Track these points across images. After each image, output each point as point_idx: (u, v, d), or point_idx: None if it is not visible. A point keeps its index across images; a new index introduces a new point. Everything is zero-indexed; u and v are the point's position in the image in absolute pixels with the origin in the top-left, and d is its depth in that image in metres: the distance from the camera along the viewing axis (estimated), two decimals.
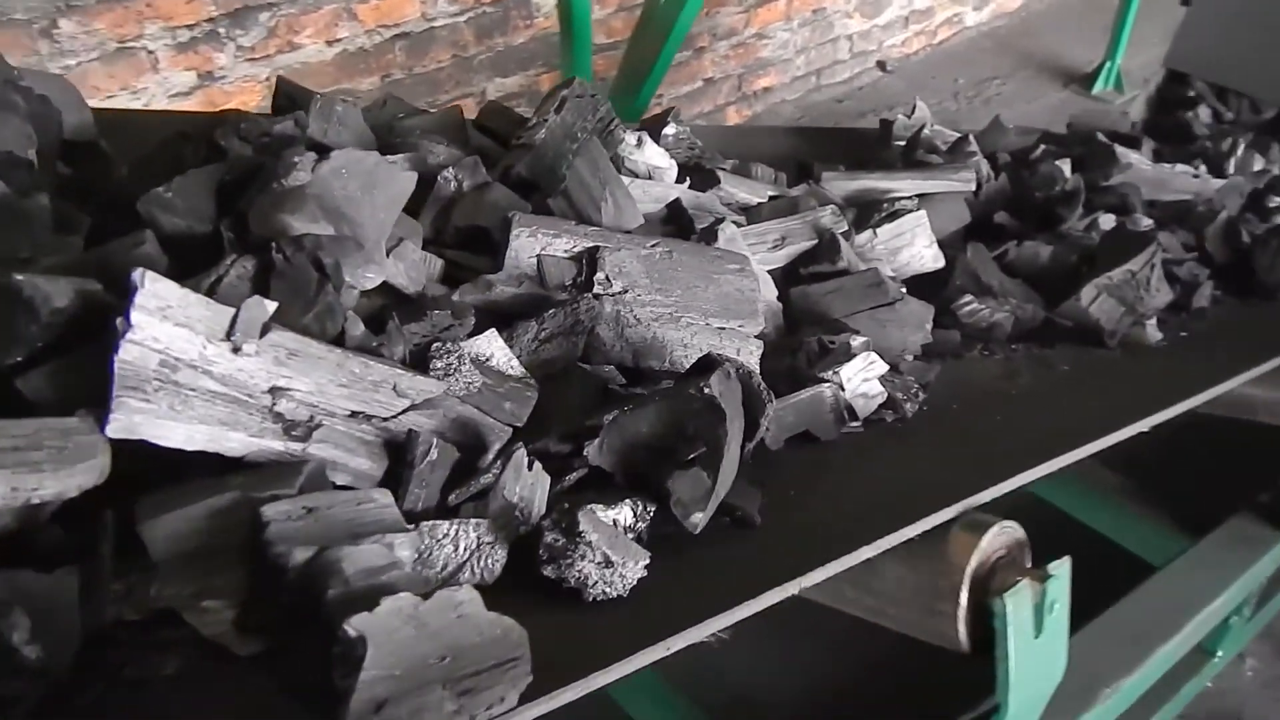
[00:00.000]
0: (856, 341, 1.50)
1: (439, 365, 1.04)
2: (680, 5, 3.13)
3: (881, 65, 5.30)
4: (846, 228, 1.73)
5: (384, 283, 1.13)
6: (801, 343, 1.50)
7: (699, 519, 1.01)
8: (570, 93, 1.58)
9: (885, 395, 1.47)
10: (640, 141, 1.71)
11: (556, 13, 3.21)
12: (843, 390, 1.41)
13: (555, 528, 0.91)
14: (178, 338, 0.86)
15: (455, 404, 1.05)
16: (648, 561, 0.93)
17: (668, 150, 1.90)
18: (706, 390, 1.03)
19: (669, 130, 1.94)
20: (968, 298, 1.83)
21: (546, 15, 3.59)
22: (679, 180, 1.80)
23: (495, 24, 3.51)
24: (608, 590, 0.91)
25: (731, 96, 4.63)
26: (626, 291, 1.25)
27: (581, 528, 0.90)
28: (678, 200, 1.72)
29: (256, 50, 2.98)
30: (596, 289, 1.23)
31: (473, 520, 0.91)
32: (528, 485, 0.99)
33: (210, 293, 0.96)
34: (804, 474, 1.27)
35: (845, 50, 5.06)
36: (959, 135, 2.36)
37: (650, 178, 1.71)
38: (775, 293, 1.60)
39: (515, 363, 1.15)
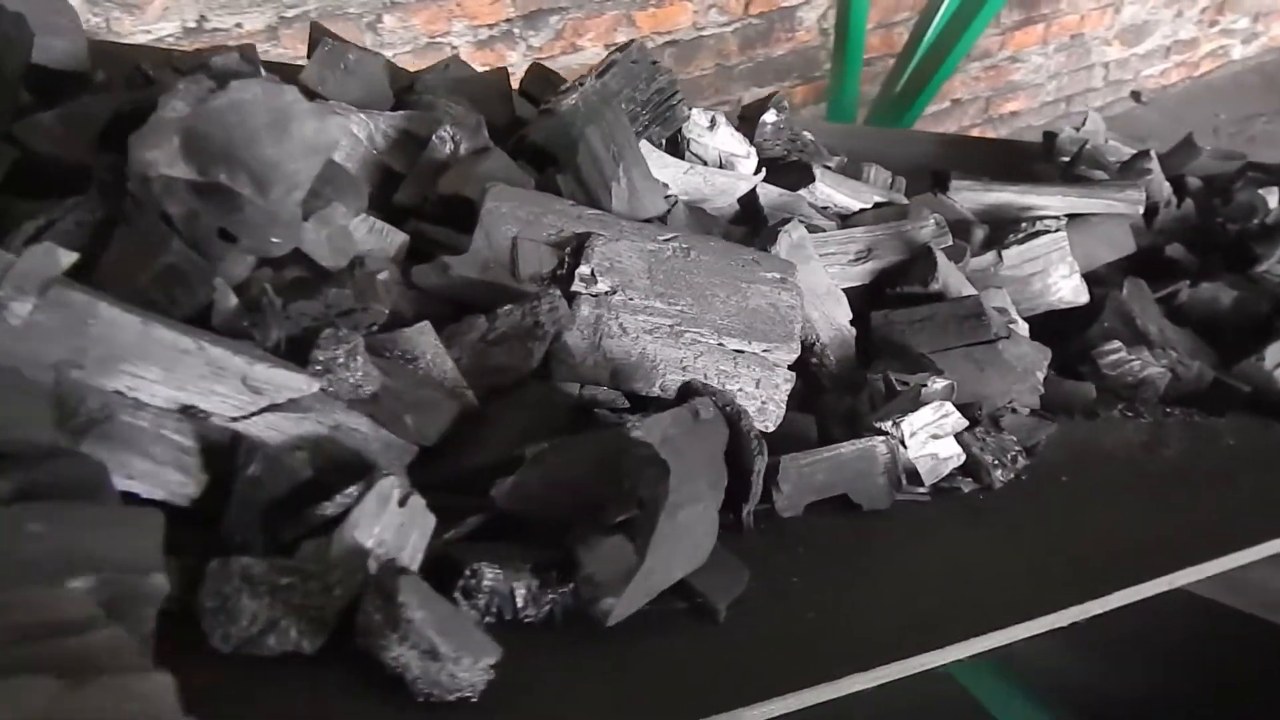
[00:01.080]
0: (938, 385, 1.18)
1: (320, 358, 0.81)
2: (964, 27, 3.07)
3: (1136, 96, 4.83)
4: (951, 243, 1.41)
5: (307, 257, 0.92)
6: (866, 380, 1.19)
7: (611, 606, 0.74)
8: (623, 56, 1.33)
9: (963, 457, 1.14)
10: (713, 123, 1.44)
11: (818, 27, 3.38)
12: (904, 446, 1.09)
13: (376, 592, 0.66)
14: None
15: (338, 411, 0.82)
16: (495, 661, 0.66)
17: (764, 141, 1.63)
18: (637, 434, 0.76)
19: (769, 118, 1.65)
20: (1114, 344, 1.46)
21: (808, 29, 3.68)
22: (764, 175, 1.52)
23: (759, 35, 3.60)
24: (436, 692, 0.65)
25: (977, 119, 4.46)
26: (615, 292, 0.98)
27: (401, 599, 0.64)
28: (753, 194, 1.44)
29: (543, 50, 3.16)
30: (575, 285, 0.98)
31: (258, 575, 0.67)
32: (393, 527, 0.75)
33: (35, 238, 0.77)
34: (823, 554, 0.96)
35: (1099, 78, 4.74)
36: (1137, 151, 1.96)
37: (722, 166, 1.44)
38: (849, 315, 1.30)
39: (450, 367, 0.91)
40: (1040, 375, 1.29)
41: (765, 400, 1.01)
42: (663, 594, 0.83)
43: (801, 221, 1.44)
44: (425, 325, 0.91)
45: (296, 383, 0.79)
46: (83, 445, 0.69)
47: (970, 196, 1.72)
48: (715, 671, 0.78)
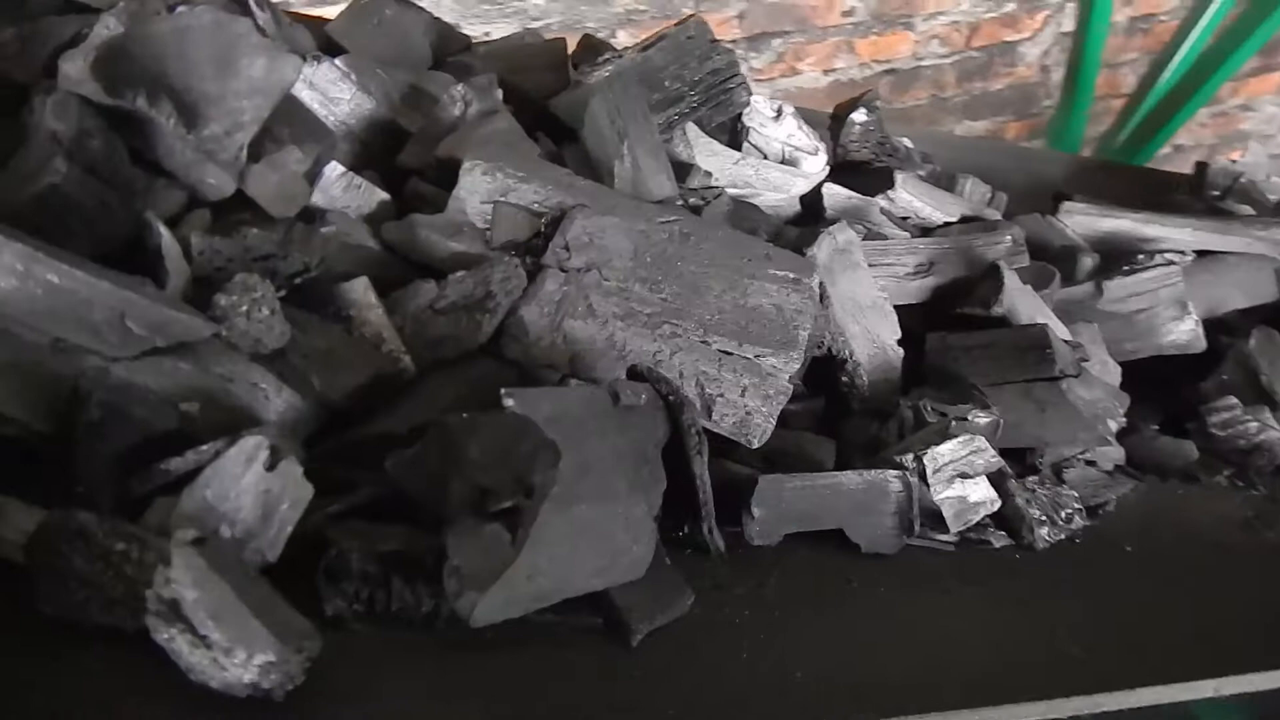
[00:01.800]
0: (980, 420, 1.02)
1: (221, 302, 0.73)
2: (1209, 74, 2.98)
3: None
4: (1027, 262, 1.24)
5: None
6: (898, 406, 1.05)
7: (473, 603, 0.63)
8: (677, 30, 1.22)
9: (997, 503, 0.98)
10: (779, 113, 1.32)
11: (1039, 64, 3.35)
12: (926, 484, 0.94)
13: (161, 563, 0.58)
14: None
15: (237, 362, 0.74)
16: (271, 659, 0.56)
17: (850, 142, 1.49)
18: (509, 404, 0.65)
19: (858, 116, 1.51)
20: (1229, 401, 1.26)
21: (1028, 65, 3.59)
22: (834, 176, 1.38)
23: (978, 69, 3.54)
24: (209, 679, 0.55)
25: None
26: (589, 270, 0.88)
27: (172, 574, 0.56)
28: (818, 194, 1.31)
29: (763, 72, 3.19)
30: (547, 257, 0.88)
31: None
32: (254, 492, 0.66)
33: None
34: (792, 593, 0.82)
35: None
36: None
37: (785, 161, 1.32)
38: (897, 334, 1.15)
39: (388, 330, 0.83)
40: (1113, 424, 1.11)
41: (750, 410, 0.89)
42: (574, 605, 0.72)
43: (868, 228, 1.31)
44: (362, 281, 0.82)
45: (187, 326, 0.72)
46: None
47: (1084, 221, 1.53)
48: (590, 701, 0.66)
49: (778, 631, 0.77)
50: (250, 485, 0.66)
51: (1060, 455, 1.12)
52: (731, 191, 1.21)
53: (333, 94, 1.03)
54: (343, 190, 0.94)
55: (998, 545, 0.98)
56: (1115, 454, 1.17)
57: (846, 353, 1.09)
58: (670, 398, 0.74)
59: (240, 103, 0.81)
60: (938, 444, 0.94)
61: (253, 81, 0.81)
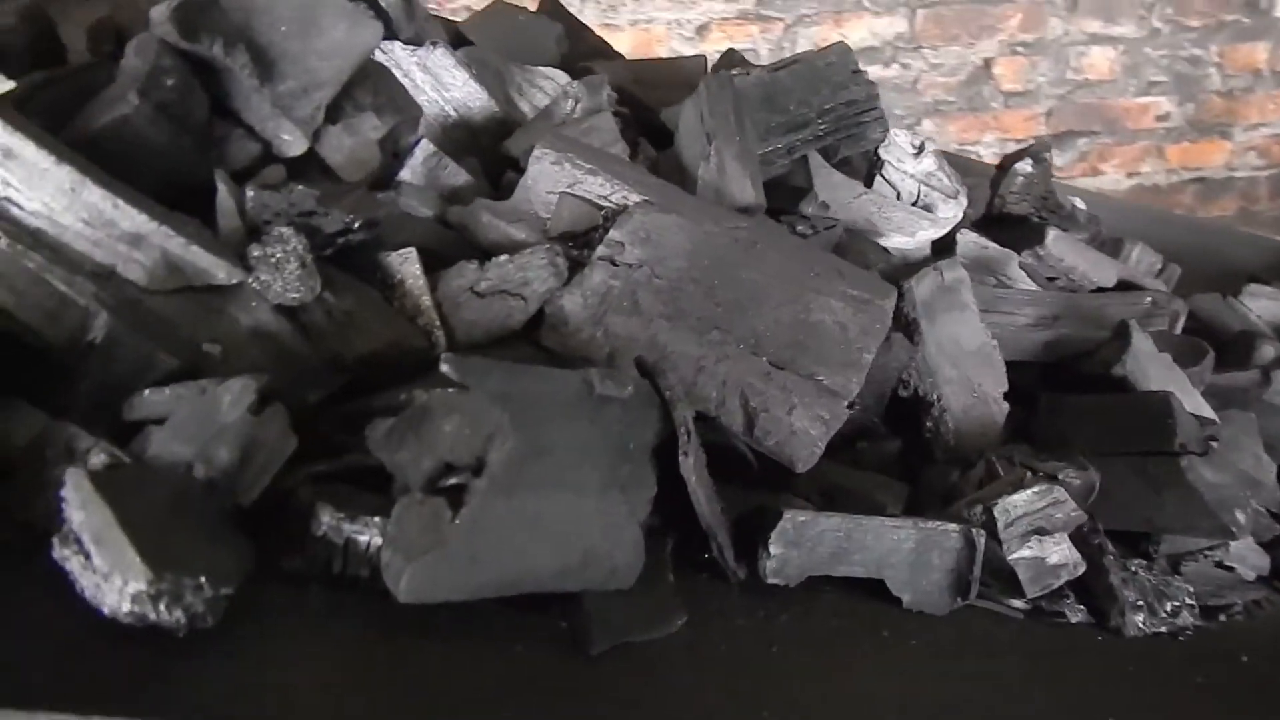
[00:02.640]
0: (1074, 481, 0.91)
1: (255, 252, 0.75)
2: None
3: None
4: (1166, 327, 1.10)
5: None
6: (980, 458, 0.95)
7: (398, 576, 0.59)
8: (815, 55, 1.18)
9: (1080, 567, 0.86)
10: (921, 151, 1.25)
11: None
12: (997, 539, 0.84)
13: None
14: None
15: (261, 311, 0.75)
16: (141, 588, 0.54)
17: (1009, 193, 1.39)
18: (445, 368, 0.62)
19: (1023, 167, 1.41)
20: None
21: None
22: (984, 227, 1.29)
23: None
24: (100, 603, 0.54)
25: None
26: (642, 267, 0.84)
27: (65, 493, 0.55)
28: (952, 239, 1.22)
29: (1062, 171, 3.13)
30: (601, 250, 0.85)
31: None
32: (231, 433, 0.66)
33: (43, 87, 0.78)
34: (800, 640, 0.75)
35: None
36: None
37: (918, 203, 1.24)
38: (1003, 386, 1.04)
39: (427, 304, 0.82)
40: (1241, 516, 0.96)
41: (796, 430, 0.82)
42: (544, 604, 0.68)
43: (1000, 282, 1.21)
44: (410, 252, 0.82)
45: (216, 269, 0.74)
46: None
47: (1270, 307, 1.37)
48: (499, 700, 0.60)
49: (765, 671, 0.70)
50: (231, 427, 0.66)
51: (1182, 548, 0.98)
52: (847, 224, 1.15)
53: (445, 79, 1.05)
54: (429, 169, 0.95)
55: (1074, 620, 0.86)
56: (1257, 560, 1.02)
57: (935, 396, 1.00)
58: (666, 394, 0.69)
59: (320, 62, 0.84)
60: (1010, 494, 0.84)
61: (334, 42, 0.84)
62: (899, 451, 1.01)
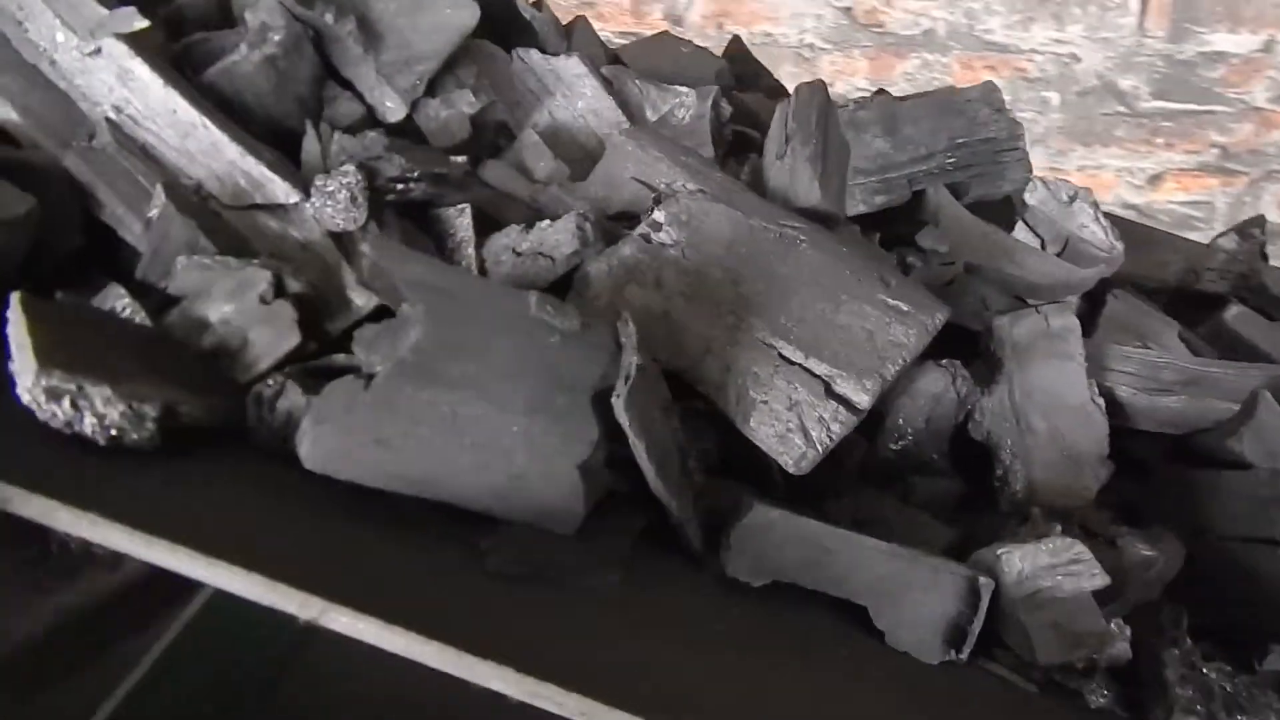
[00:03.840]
0: (1142, 552, 0.79)
1: (317, 181, 0.84)
2: None
3: None
4: None
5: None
6: (1034, 508, 0.85)
7: (306, 443, 0.63)
8: (958, 92, 1.14)
9: (1117, 644, 0.75)
10: (1073, 200, 1.16)
11: None
12: (998, 587, 0.75)
13: None
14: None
15: (314, 233, 0.84)
16: (30, 381, 0.58)
17: (1208, 270, 1.27)
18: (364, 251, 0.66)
19: (1226, 243, 1.28)
20: None
21: None
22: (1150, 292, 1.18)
23: None
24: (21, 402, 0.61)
25: None
26: (673, 247, 0.85)
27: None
28: (1102, 297, 1.12)
29: None
30: (641, 228, 0.86)
31: None
32: (240, 314, 0.74)
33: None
34: (744, 643, 0.70)
35: None
36: None
37: (1064, 254, 1.14)
38: (1103, 451, 0.93)
39: (471, 258, 0.87)
40: None
41: (792, 429, 0.79)
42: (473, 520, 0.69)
43: (1147, 347, 1.09)
44: (465, 209, 0.88)
45: (278, 189, 0.83)
46: (66, 158, 0.81)
47: None
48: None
49: (659, 652, 0.67)
50: (241, 309, 0.74)
51: None
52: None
53: (576, 87, 1.12)
54: (528, 154, 1.02)
55: (1095, 705, 0.75)
56: None
57: (1008, 443, 0.92)
58: (622, 340, 0.69)
59: (422, 38, 0.93)
60: (1022, 544, 0.75)
61: (437, 21, 0.93)
62: (959, 495, 0.93)
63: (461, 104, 0.96)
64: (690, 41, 1.32)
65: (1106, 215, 1.15)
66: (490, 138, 1.01)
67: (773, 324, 0.82)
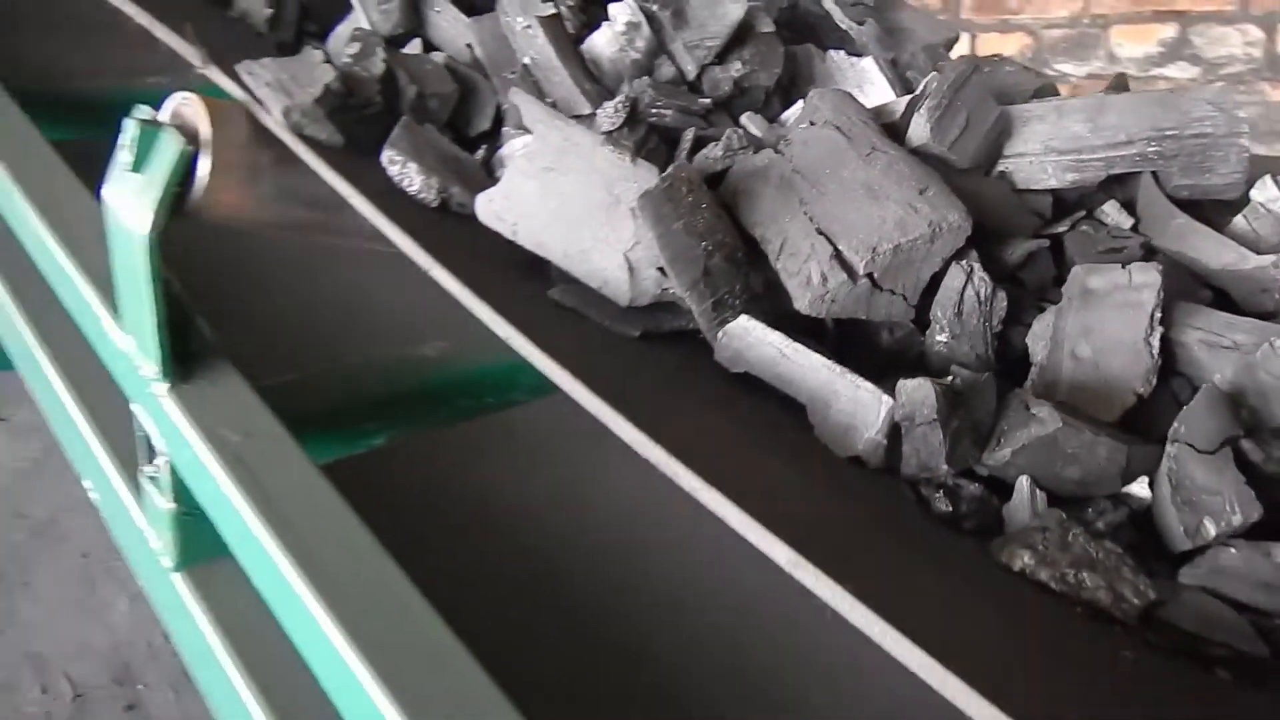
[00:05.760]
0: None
1: (608, 104, 1.33)
2: None
3: None
4: None
5: None
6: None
7: (475, 201, 1.13)
8: (1172, 90, 1.22)
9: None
10: None
11: None
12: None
13: None
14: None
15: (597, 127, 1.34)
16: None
17: None
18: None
19: None
20: None
21: None
22: None
23: None
24: None
25: None
26: (789, 160, 1.17)
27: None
28: None
29: None
30: (780, 145, 1.20)
31: None
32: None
33: None
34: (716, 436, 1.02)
35: None
36: None
37: None
38: (1140, 386, 1.01)
39: (683, 158, 1.30)
40: (1211, 528, 0.80)
41: (800, 272, 1.07)
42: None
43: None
44: (690, 131, 1.31)
45: (582, 105, 1.35)
46: (494, 80, 1.42)
47: None
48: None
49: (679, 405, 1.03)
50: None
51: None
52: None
53: (864, 85, 1.47)
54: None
55: (936, 511, 0.91)
56: None
57: (1042, 359, 1.06)
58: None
59: (715, 22, 1.38)
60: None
61: (723, 11, 1.37)
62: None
63: (731, 71, 1.38)
64: (1013, 59, 1.54)
65: None
66: (759, 97, 1.41)
67: (823, 209, 1.11)
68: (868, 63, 1.47)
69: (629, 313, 1.11)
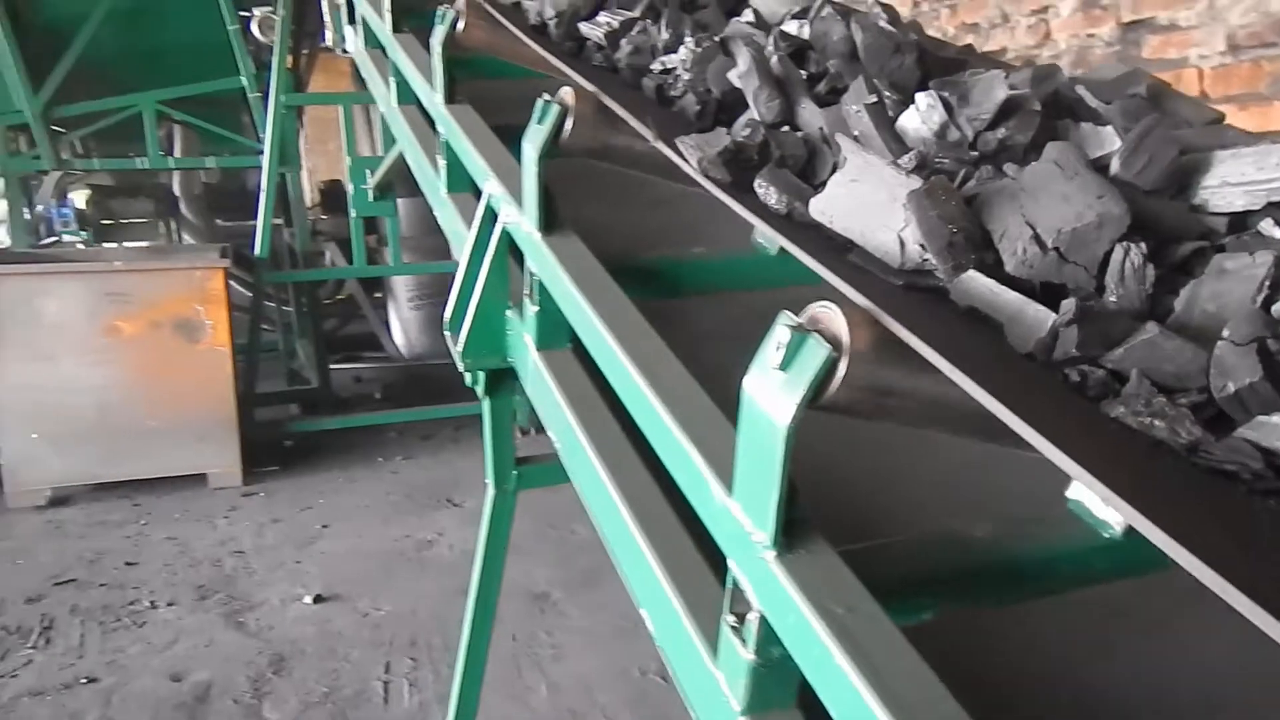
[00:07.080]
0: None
1: (904, 156, 1.99)
2: None
3: None
4: None
5: None
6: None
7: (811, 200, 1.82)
8: None
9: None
10: None
11: None
12: None
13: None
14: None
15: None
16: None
17: None
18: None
19: None
20: None
21: None
22: None
23: None
24: None
25: None
26: (1014, 179, 1.75)
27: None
28: None
29: None
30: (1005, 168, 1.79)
31: None
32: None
33: None
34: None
35: None
36: None
37: None
38: (1236, 336, 1.47)
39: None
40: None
41: (1014, 248, 1.65)
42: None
43: None
44: (960, 173, 1.93)
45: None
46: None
47: None
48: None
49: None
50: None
51: None
52: None
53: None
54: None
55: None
56: None
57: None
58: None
59: (986, 101, 2.00)
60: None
61: (993, 93, 1.99)
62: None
63: (997, 134, 1.99)
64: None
65: None
66: (1019, 153, 2.00)
67: (1032, 210, 1.67)
68: (1108, 130, 2.01)
69: (898, 273, 1.74)
